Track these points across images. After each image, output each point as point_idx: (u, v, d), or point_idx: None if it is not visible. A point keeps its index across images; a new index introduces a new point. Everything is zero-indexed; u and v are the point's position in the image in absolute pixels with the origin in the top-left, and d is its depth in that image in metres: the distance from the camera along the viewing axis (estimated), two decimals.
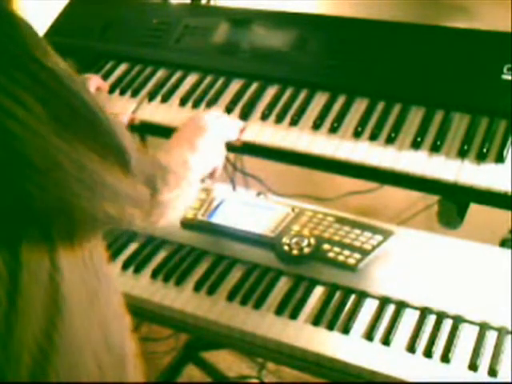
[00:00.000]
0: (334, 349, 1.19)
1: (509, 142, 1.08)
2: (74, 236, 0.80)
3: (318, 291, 1.32)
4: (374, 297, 1.29)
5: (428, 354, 1.17)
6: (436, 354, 1.17)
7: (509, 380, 1.11)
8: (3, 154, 0.69)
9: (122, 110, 1.32)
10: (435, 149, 1.10)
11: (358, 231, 1.43)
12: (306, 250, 1.40)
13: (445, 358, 1.15)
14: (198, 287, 1.36)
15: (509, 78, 1.13)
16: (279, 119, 1.22)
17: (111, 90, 1.37)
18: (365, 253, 1.38)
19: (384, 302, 1.27)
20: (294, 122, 1.21)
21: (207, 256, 1.44)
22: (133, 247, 1.49)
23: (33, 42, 0.71)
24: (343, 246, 1.40)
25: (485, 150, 1.07)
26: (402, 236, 1.44)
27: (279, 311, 1.28)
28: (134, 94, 1.35)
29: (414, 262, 1.36)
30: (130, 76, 1.40)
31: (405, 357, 1.17)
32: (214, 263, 1.42)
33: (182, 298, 1.34)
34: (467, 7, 1.57)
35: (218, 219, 1.52)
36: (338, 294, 1.31)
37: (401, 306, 1.26)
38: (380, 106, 1.20)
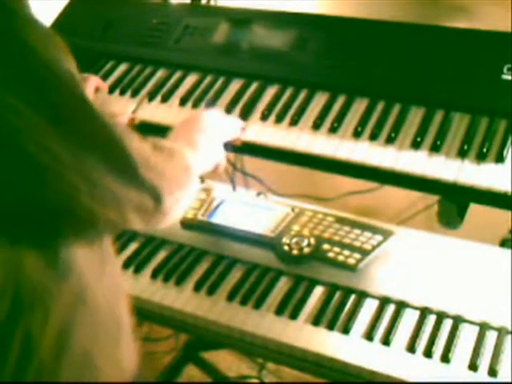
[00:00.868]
0: (334, 349, 1.19)
1: (509, 142, 1.08)
2: (77, 236, 0.80)
3: (318, 291, 1.32)
4: (374, 297, 1.29)
5: (428, 354, 1.16)
6: (436, 354, 1.17)
7: (509, 380, 1.11)
8: (2, 150, 0.69)
9: (122, 110, 1.32)
10: (435, 149, 1.10)
11: (358, 231, 1.43)
12: (306, 250, 1.40)
13: (445, 358, 1.15)
14: (198, 287, 1.36)
15: (509, 78, 1.13)
16: (279, 119, 1.22)
17: (111, 90, 1.37)
18: (365, 253, 1.38)
19: (384, 302, 1.27)
20: (294, 122, 1.21)
21: (207, 256, 1.44)
22: (133, 247, 1.49)
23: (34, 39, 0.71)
24: (343, 246, 1.40)
25: (485, 150, 1.07)
26: (402, 236, 1.44)
27: (279, 311, 1.28)
28: (134, 93, 1.35)
29: (414, 262, 1.36)
30: (130, 76, 1.40)
31: (405, 357, 1.17)
32: (213, 263, 1.42)
33: (182, 298, 1.34)
34: (467, 7, 1.57)
35: (218, 219, 1.52)
36: (337, 294, 1.31)
37: (401, 305, 1.26)
38: (380, 106, 1.20)
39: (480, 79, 1.15)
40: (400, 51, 1.23)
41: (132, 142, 0.79)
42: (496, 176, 1.04)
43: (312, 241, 1.42)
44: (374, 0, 1.62)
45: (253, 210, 1.54)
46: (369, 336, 1.20)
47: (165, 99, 1.32)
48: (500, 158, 1.06)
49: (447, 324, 1.22)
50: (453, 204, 1.42)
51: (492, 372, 1.12)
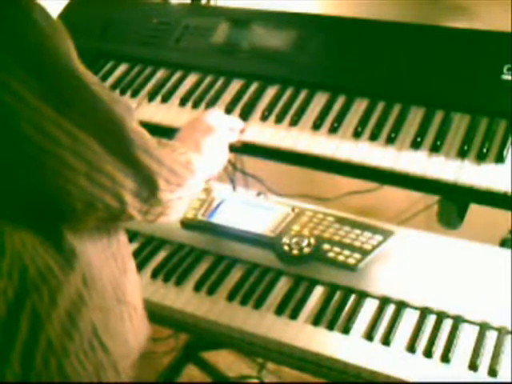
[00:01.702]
0: (334, 349, 1.19)
1: (509, 142, 1.08)
2: (78, 220, 0.80)
3: (318, 291, 1.32)
4: (374, 297, 1.29)
5: (428, 354, 1.16)
6: (436, 353, 1.17)
7: (509, 380, 1.11)
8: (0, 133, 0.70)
9: None
10: (435, 149, 1.10)
11: (358, 231, 1.44)
12: (306, 250, 1.40)
13: (445, 358, 1.15)
14: (197, 287, 1.36)
15: (509, 78, 1.13)
16: (279, 119, 1.22)
17: (111, 90, 1.37)
18: (365, 253, 1.38)
19: (384, 302, 1.27)
20: (294, 122, 1.21)
21: (207, 256, 1.44)
22: (133, 247, 1.48)
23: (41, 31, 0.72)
24: (343, 245, 1.40)
25: (485, 150, 1.07)
26: (402, 236, 1.44)
27: (279, 311, 1.28)
28: (134, 93, 1.35)
29: (414, 262, 1.36)
30: (129, 76, 1.40)
31: (405, 357, 1.17)
32: (214, 263, 1.42)
33: (182, 298, 1.34)
34: (467, 7, 1.57)
35: (218, 219, 1.52)
36: (337, 294, 1.31)
37: (401, 305, 1.26)
38: (380, 106, 1.20)
39: (480, 79, 1.15)
40: (400, 51, 1.23)
41: (132, 124, 0.79)
42: (496, 176, 1.04)
43: (312, 241, 1.42)
44: (374, 0, 1.62)
45: (253, 210, 1.54)
46: (369, 336, 1.20)
47: (165, 99, 1.32)
48: (500, 158, 1.06)
49: (447, 324, 1.22)
50: (453, 204, 1.42)
51: (492, 372, 1.12)
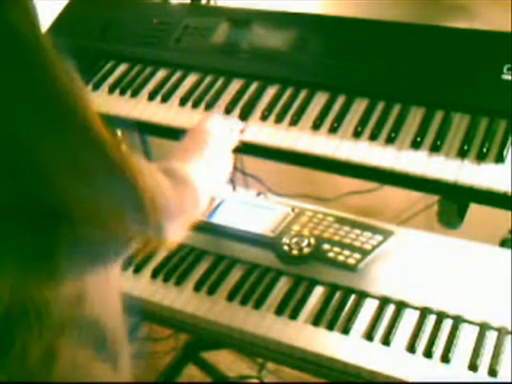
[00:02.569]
0: (334, 349, 1.19)
1: (509, 142, 1.08)
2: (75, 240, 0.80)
3: (318, 291, 1.32)
4: (374, 297, 1.29)
5: (428, 354, 1.16)
6: (436, 353, 1.17)
7: (509, 380, 1.11)
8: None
9: (122, 110, 1.32)
10: (435, 149, 1.10)
11: (357, 231, 1.44)
12: (306, 250, 1.40)
13: (445, 358, 1.15)
14: (197, 287, 1.36)
15: (509, 78, 1.13)
16: (279, 119, 1.22)
17: (111, 90, 1.37)
18: (365, 253, 1.38)
19: (384, 302, 1.27)
20: (294, 122, 1.21)
21: (207, 256, 1.44)
22: (133, 247, 1.48)
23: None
24: (343, 245, 1.40)
25: (485, 150, 1.07)
26: (402, 236, 1.44)
27: (279, 311, 1.28)
28: (134, 93, 1.35)
29: (414, 262, 1.36)
30: (129, 76, 1.40)
31: (405, 357, 1.17)
32: (214, 263, 1.42)
33: (181, 298, 1.34)
34: (467, 7, 1.57)
35: (218, 219, 1.52)
36: (337, 294, 1.31)
37: (401, 305, 1.26)
38: (380, 106, 1.20)
39: (480, 79, 1.15)
40: (400, 51, 1.23)
41: (144, 179, 0.78)
42: (496, 176, 1.04)
43: (312, 241, 1.42)
44: (374, 0, 1.62)
45: (253, 210, 1.54)
46: (369, 336, 1.20)
47: (165, 99, 1.32)
48: (500, 158, 1.06)
49: (447, 324, 1.22)
50: (453, 204, 1.42)
51: (492, 372, 1.12)
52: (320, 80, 1.26)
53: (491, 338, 1.19)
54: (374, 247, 1.39)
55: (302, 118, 1.21)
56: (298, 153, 1.17)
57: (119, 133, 2.11)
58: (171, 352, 2.05)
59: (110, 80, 1.40)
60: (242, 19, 1.40)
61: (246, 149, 1.22)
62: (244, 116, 1.24)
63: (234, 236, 1.47)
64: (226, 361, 2.04)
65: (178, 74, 1.37)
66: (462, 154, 1.09)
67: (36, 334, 0.76)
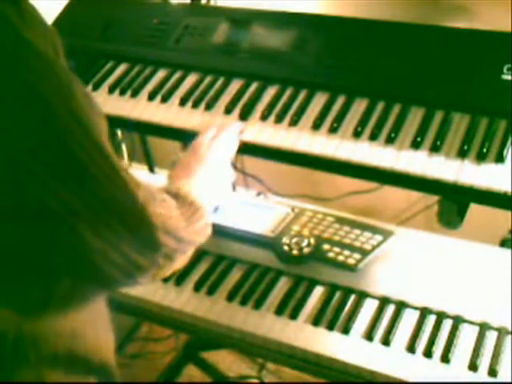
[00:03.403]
0: (334, 349, 1.19)
1: (509, 142, 1.08)
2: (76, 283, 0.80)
3: (318, 291, 1.32)
4: (374, 297, 1.29)
5: (428, 354, 1.17)
6: (436, 353, 1.17)
7: (509, 380, 1.11)
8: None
9: (122, 110, 1.32)
10: (435, 149, 1.10)
11: (357, 231, 1.44)
12: (306, 250, 1.40)
13: (445, 358, 1.15)
14: (197, 287, 1.36)
15: (509, 78, 1.13)
16: (279, 119, 1.22)
17: (111, 90, 1.37)
18: (365, 253, 1.38)
19: (384, 302, 1.27)
20: (294, 122, 1.21)
21: (207, 256, 1.44)
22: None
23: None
24: (343, 246, 1.40)
25: (485, 150, 1.07)
26: (402, 236, 1.44)
27: (279, 311, 1.28)
28: (134, 93, 1.35)
29: (414, 262, 1.36)
30: (129, 76, 1.40)
31: (405, 357, 1.17)
32: (214, 263, 1.42)
33: (181, 298, 1.34)
34: (467, 7, 1.57)
35: (217, 219, 1.52)
36: (337, 294, 1.31)
37: (401, 305, 1.26)
38: (380, 106, 1.20)
39: (480, 79, 1.15)
40: (400, 51, 1.23)
41: (155, 209, 0.78)
42: (496, 176, 1.04)
43: (312, 241, 1.42)
44: (374, 0, 1.62)
45: (253, 210, 1.54)
46: (369, 336, 1.21)
47: (165, 99, 1.32)
48: (500, 158, 1.06)
49: (447, 324, 1.22)
50: (453, 204, 1.42)
51: (492, 372, 1.12)
52: (320, 80, 1.26)
53: (491, 338, 1.19)
54: (374, 247, 1.39)
55: (302, 118, 1.21)
56: (297, 153, 1.17)
57: (119, 133, 2.11)
58: (171, 352, 2.05)
59: (110, 80, 1.40)
60: (242, 19, 1.40)
61: (246, 149, 1.22)
62: (244, 116, 1.24)
63: (234, 236, 1.47)
64: (226, 361, 2.04)
65: (177, 74, 1.37)
66: (462, 154, 1.08)
67: (30, 362, 0.76)
